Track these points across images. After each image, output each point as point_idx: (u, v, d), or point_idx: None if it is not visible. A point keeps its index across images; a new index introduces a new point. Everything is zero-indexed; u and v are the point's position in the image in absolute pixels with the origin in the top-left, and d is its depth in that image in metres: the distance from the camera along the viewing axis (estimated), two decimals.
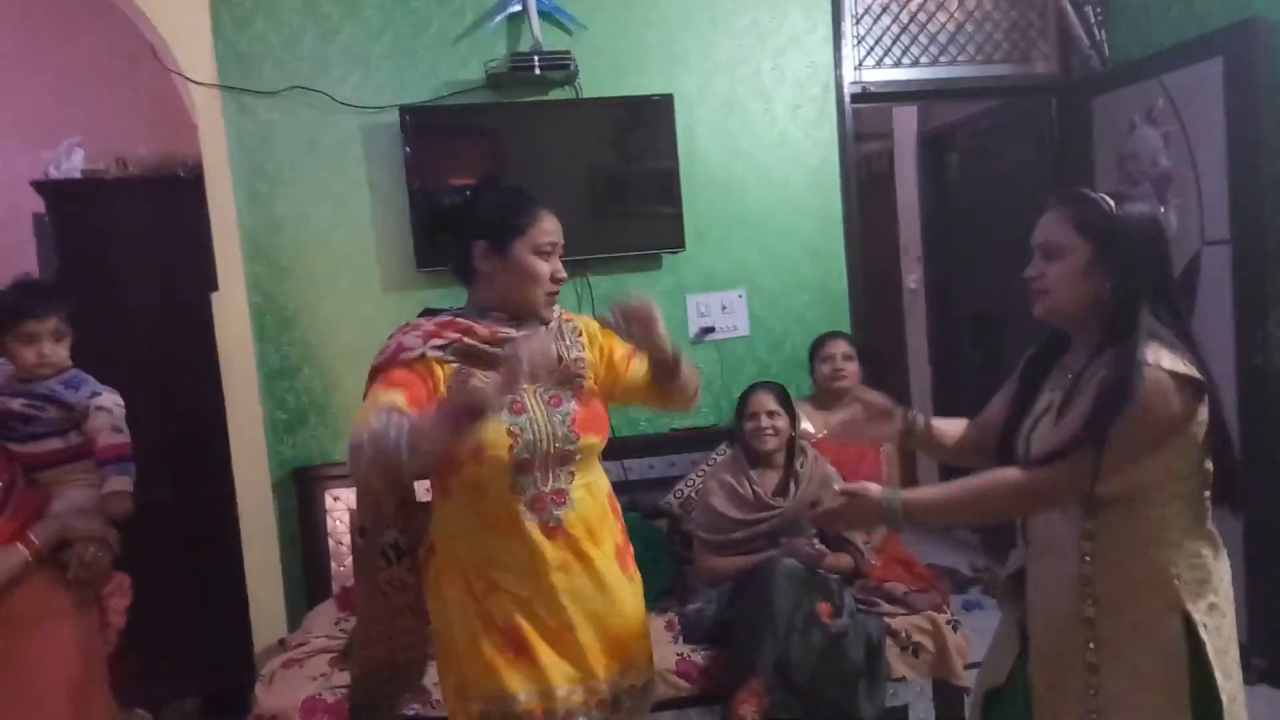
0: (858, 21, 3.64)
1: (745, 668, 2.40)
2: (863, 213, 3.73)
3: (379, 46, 3.28)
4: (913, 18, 3.68)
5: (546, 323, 1.75)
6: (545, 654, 1.66)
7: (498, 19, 3.31)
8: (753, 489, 2.78)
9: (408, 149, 3.21)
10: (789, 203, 3.57)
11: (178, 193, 3.32)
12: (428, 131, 3.26)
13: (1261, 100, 2.99)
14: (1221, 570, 1.58)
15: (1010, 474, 1.49)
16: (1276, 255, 3.02)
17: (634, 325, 1.66)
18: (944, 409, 4.95)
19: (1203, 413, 1.52)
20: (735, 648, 2.50)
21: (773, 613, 2.42)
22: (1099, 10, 3.66)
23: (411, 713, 2.42)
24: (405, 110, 3.21)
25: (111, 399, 2.19)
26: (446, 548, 1.71)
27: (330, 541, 3.14)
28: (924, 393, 5.08)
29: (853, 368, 3.19)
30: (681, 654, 2.59)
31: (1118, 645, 1.54)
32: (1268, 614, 3.07)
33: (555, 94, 3.39)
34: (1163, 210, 3.35)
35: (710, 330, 3.54)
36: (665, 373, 1.77)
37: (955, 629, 2.69)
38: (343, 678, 2.49)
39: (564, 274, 1.73)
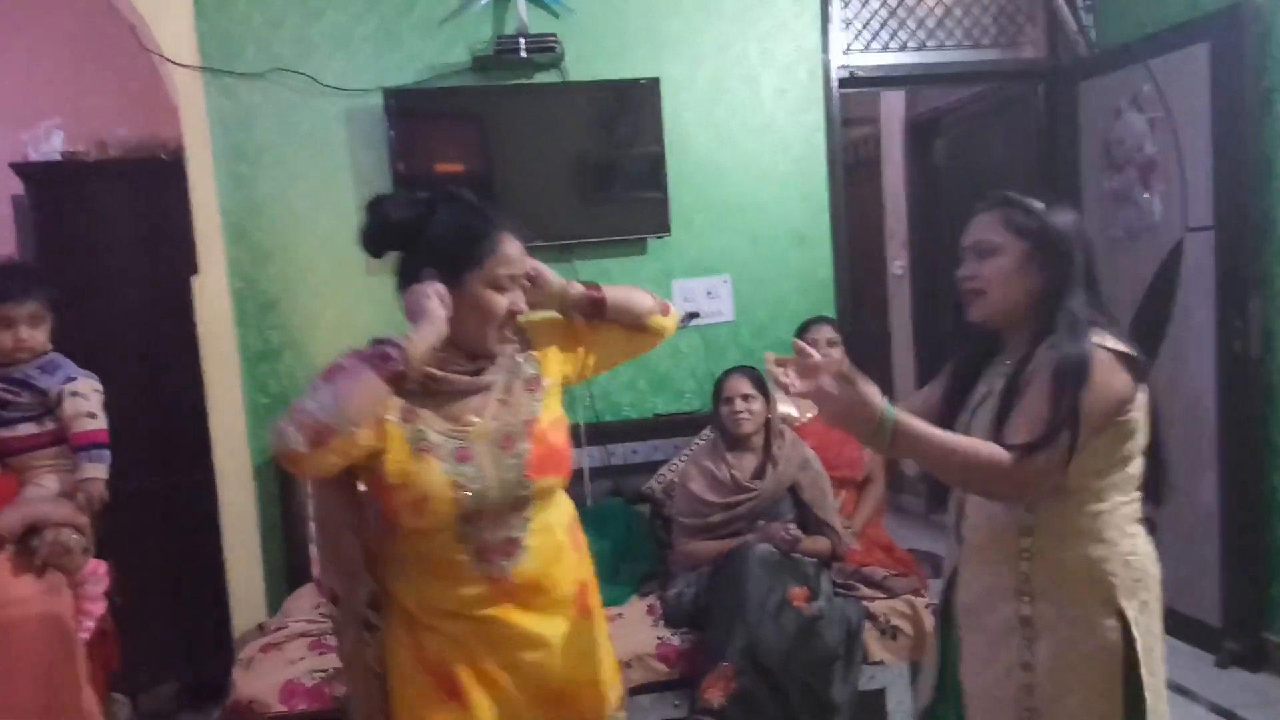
0: (845, 6, 3.63)
1: (715, 652, 2.41)
2: (849, 198, 3.72)
3: (363, 28, 3.25)
4: (900, 2, 3.67)
5: (495, 359, 1.61)
6: (478, 700, 1.55)
7: (483, 1, 3.29)
8: (730, 472, 2.79)
9: (391, 132, 3.19)
10: (775, 188, 3.57)
11: (158, 175, 3.30)
12: (412, 114, 3.23)
13: (1247, 87, 2.99)
14: (1153, 568, 1.60)
15: (1000, 454, 1.48)
16: (1258, 243, 3.03)
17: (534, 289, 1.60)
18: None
19: (1140, 398, 1.54)
20: (708, 632, 2.51)
21: (744, 597, 2.44)
22: None
23: None
24: (389, 93, 3.19)
25: (89, 384, 2.18)
26: (388, 582, 1.59)
27: (311, 526, 3.14)
28: (907, 377, 5.09)
29: (837, 354, 3.19)
30: (661, 638, 2.61)
31: (1054, 643, 1.55)
32: (1243, 598, 3.10)
33: (541, 77, 3.37)
34: (1147, 196, 3.36)
35: (695, 315, 3.53)
36: (597, 313, 1.69)
37: (935, 614, 2.69)
38: (321, 661, 2.49)
39: (523, 307, 1.57)
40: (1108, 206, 3.55)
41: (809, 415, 3.16)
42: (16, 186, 3.46)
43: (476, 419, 1.55)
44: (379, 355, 1.41)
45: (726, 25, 3.49)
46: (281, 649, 2.59)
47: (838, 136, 3.63)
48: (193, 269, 3.16)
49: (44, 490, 2.09)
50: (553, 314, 1.70)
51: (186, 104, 3.16)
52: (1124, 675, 1.53)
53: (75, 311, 2.31)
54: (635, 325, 1.74)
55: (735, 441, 2.84)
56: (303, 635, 2.67)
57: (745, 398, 2.81)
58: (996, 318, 1.65)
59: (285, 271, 3.25)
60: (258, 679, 2.46)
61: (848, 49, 3.64)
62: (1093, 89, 3.60)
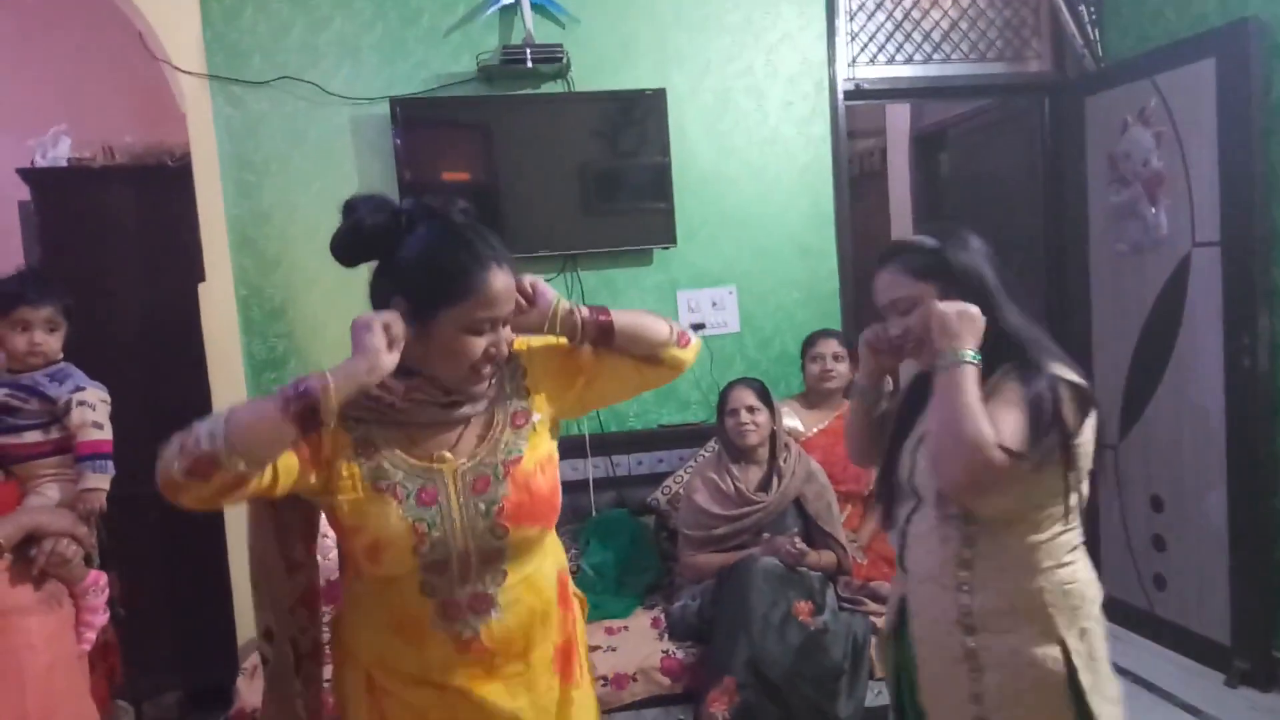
0: (851, 19, 3.63)
1: (719, 666, 2.40)
2: (855, 210, 3.72)
3: (369, 37, 3.26)
4: (906, 15, 3.67)
5: (475, 397, 1.40)
6: None
7: (490, 11, 3.29)
8: (735, 484, 2.78)
9: (397, 141, 3.20)
10: (780, 199, 3.57)
11: (165, 182, 3.29)
12: (418, 123, 3.24)
13: (1254, 101, 2.98)
14: (1092, 593, 1.59)
15: (994, 440, 1.45)
16: (1266, 258, 3.03)
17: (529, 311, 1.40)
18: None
19: (1088, 429, 1.53)
20: (712, 646, 2.50)
21: (749, 611, 2.42)
22: (1093, 9, 3.65)
23: None
24: (395, 102, 3.19)
25: (96, 394, 2.17)
26: (347, 634, 1.43)
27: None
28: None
29: (843, 368, 3.18)
30: (666, 651, 2.59)
31: (1000, 675, 1.55)
32: (1251, 617, 3.08)
33: (547, 87, 3.37)
34: (1153, 211, 3.35)
35: (700, 326, 3.53)
36: (604, 341, 1.46)
37: None
38: (325, 671, 2.47)
39: (503, 350, 1.35)
40: (1114, 221, 3.55)
41: (815, 429, 3.15)
42: (23, 192, 3.46)
43: (448, 454, 1.36)
44: (292, 391, 1.22)
45: (732, 37, 3.50)
46: None
47: (843, 148, 3.63)
48: (199, 276, 3.16)
49: (45, 499, 2.08)
50: (553, 339, 1.48)
51: (193, 111, 3.16)
52: (1074, 704, 1.52)
53: (81, 317, 2.31)
54: (647, 357, 1.49)
55: (740, 454, 2.83)
56: None
57: (750, 410, 2.80)
58: None
59: (290, 279, 3.24)
60: (261, 689, 2.44)
61: (853, 61, 3.64)
62: (1098, 103, 3.60)
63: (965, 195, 4.53)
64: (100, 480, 2.12)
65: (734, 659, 2.36)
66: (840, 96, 3.59)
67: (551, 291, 1.44)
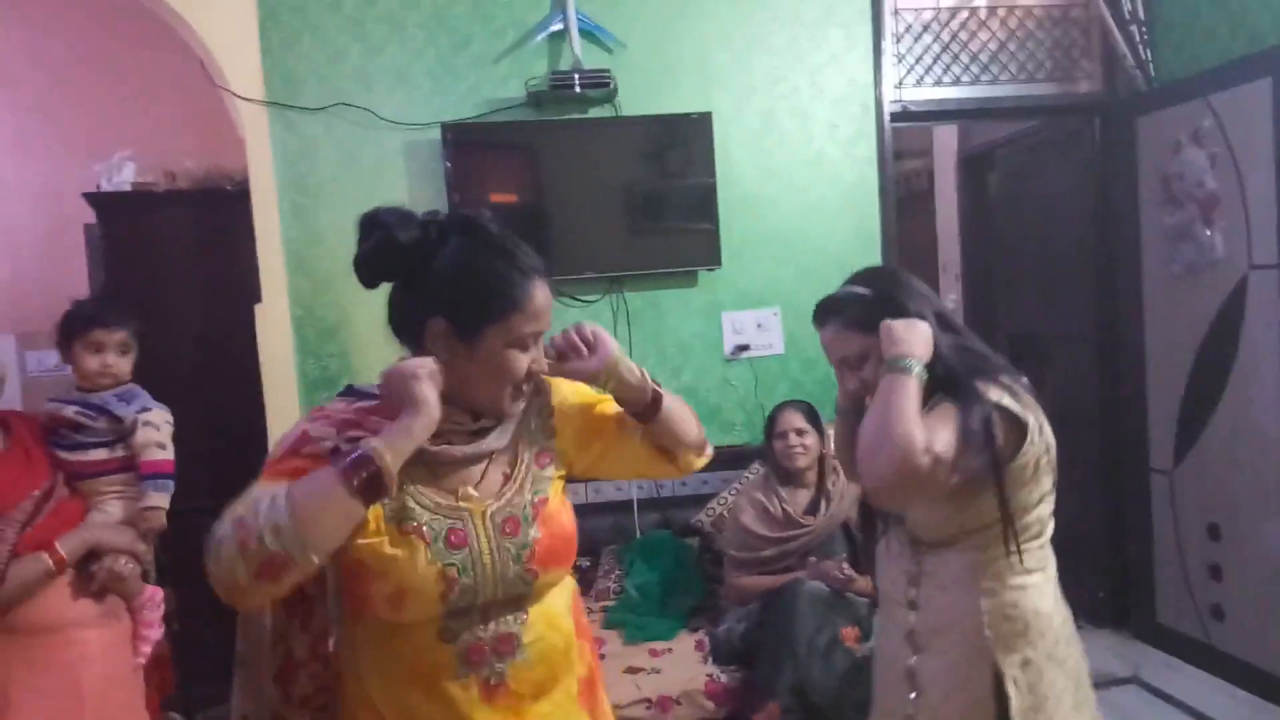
0: (898, 40, 3.63)
1: (764, 691, 2.39)
2: (901, 231, 3.71)
3: (422, 64, 3.33)
4: (954, 37, 3.66)
5: (507, 418, 1.32)
6: None
7: (539, 38, 3.35)
8: (783, 507, 2.77)
9: (448, 165, 3.26)
10: (825, 221, 3.57)
11: (224, 205, 3.39)
12: (468, 148, 3.30)
13: None
14: (1042, 625, 1.52)
15: (923, 440, 1.43)
16: None
17: (572, 359, 1.32)
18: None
19: (1027, 452, 1.50)
20: (757, 670, 2.49)
21: (793, 636, 2.41)
22: (1144, 29, 3.62)
23: None
24: (446, 127, 3.25)
25: (161, 416, 2.23)
26: (356, 683, 1.29)
27: None
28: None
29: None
30: (710, 675, 2.58)
31: (933, 695, 1.53)
32: None
33: (594, 112, 3.41)
34: (1208, 233, 3.29)
35: (745, 348, 3.53)
36: (641, 412, 1.36)
37: None
38: None
39: (544, 366, 1.30)
40: (1167, 243, 3.49)
41: None
42: (89, 215, 3.58)
43: (473, 492, 1.28)
44: (349, 465, 1.12)
45: (777, 59, 3.52)
46: None
47: (890, 170, 3.63)
48: (255, 297, 3.24)
49: (107, 516, 2.13)
50: (586, 393, 1.42)
51: (252, 137, 3.25)
52: None
53: (142, 336, 2.38)
54: (668, 449, 1.41)
55: (788, 476, 2.82)
56: None
57: (799, 432, 2.79)
58: None
59: (342, 300, 3.31)
60: None
61: (900, 83, 3.64)
62: (1151, 124, 3.55)
63: (1014, 216, 4.49)
64: (161, 499, 2.18)
65: (779, 684, 2.35)
66: (887, 118, 3.58)
67: (614, 343, 1.36)
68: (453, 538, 1.23)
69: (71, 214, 3.81)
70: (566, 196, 3.36)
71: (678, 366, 3.51)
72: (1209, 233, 3.29)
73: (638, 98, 3.42)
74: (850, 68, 3.55)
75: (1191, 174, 3.36)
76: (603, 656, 2.71)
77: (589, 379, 1.35)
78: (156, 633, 2.23)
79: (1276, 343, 3.05)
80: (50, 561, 1.95)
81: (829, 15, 3.53)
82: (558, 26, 3.34)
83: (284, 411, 3.24)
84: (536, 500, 1.31)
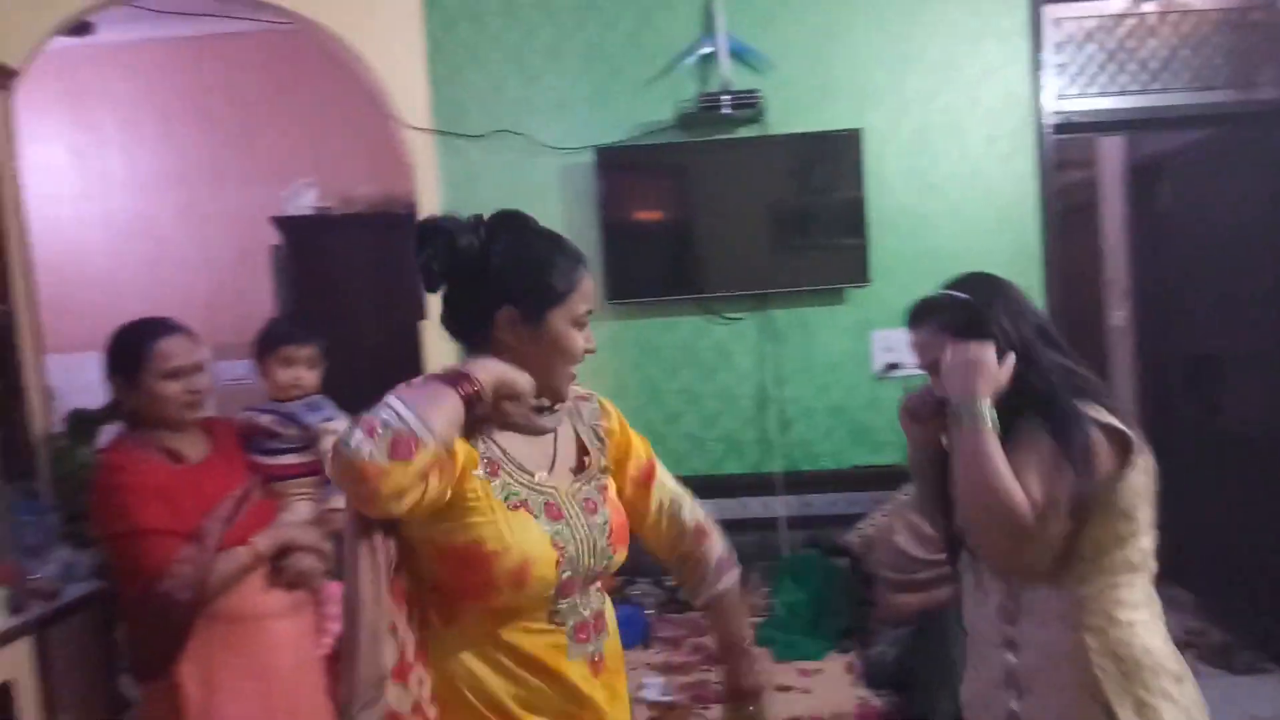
0: (1059, 50, 3.51)
1: (920, 718, 2.34)
2: (1062, 246, 3.57)
3: (577, 91, 3.46)
4: (1120, 45, 3.50)
5: (564, 400, 1.41)
6: None
7: (689, 60, 3.42)
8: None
9: (600, 187, 3.37)
10: (982, 237, 3.48)
11: (395, 228, 3.63)
12: (619, 170, 3.40)
13: None
14: (1154, 662, 1.43)
15: (1027, 503, 1.41)
16: None
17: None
18: (1154, 457, 4.62)
19: (1134, 477, 1.42)
20: (912, 697, 2.44)
21: (951, 663, 2.35)
22: None
23: None
24: (599, 151, 3.37)
25: (344, 425, 2.41)
26: (450, 683, 1.29)
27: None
28: None
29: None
30: (862, 699, 2.55)
31: None
32: None
33: (743, 131, 3.45)
34: None
35: (895, 366, 3.48)
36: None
37: None
38: None
39: (594, 345, 1.39)
40: None
41: None
42: (275, 238, 3.89)
43: (545, 475, 1.36)
44: (454, 375, 1.24)
45: (932, 74, 3.46)
46: None
47: (1051, 184, 3.50)
48: (421, 313, 3.44)
49: (297, 516, 2.32)
50: (634, 443, 1.51)
51: (420, 163, 3.46)
52: None
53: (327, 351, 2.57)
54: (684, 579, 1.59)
55: None
56: None
57: None
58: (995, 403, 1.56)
59: None
60: None
61: (1062, 94, 3.51)
62: None
63: (1188, 229, 4.25)
64: (343, 501, 2.35)
65: (936, 712, 2.31)
66: (1048, 131, 3.47)
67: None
68: (550, 510, 1.31)
69: (260, 237, 4.15)
70: (714, 215, 3.42)
71: (825, 385, 3.49)
72: None
73: (787, 115, 3.44)
74: (1009, 80, 3.46)
75: None
76: None
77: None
78: (337, 626, 2.40)
79: None
80: (248, 557, 2.12)
81: (986, 28, 3.45)
82: (708, 49, 3.41)
83: None
84: (601, 486, 1.41)
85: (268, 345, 2.39)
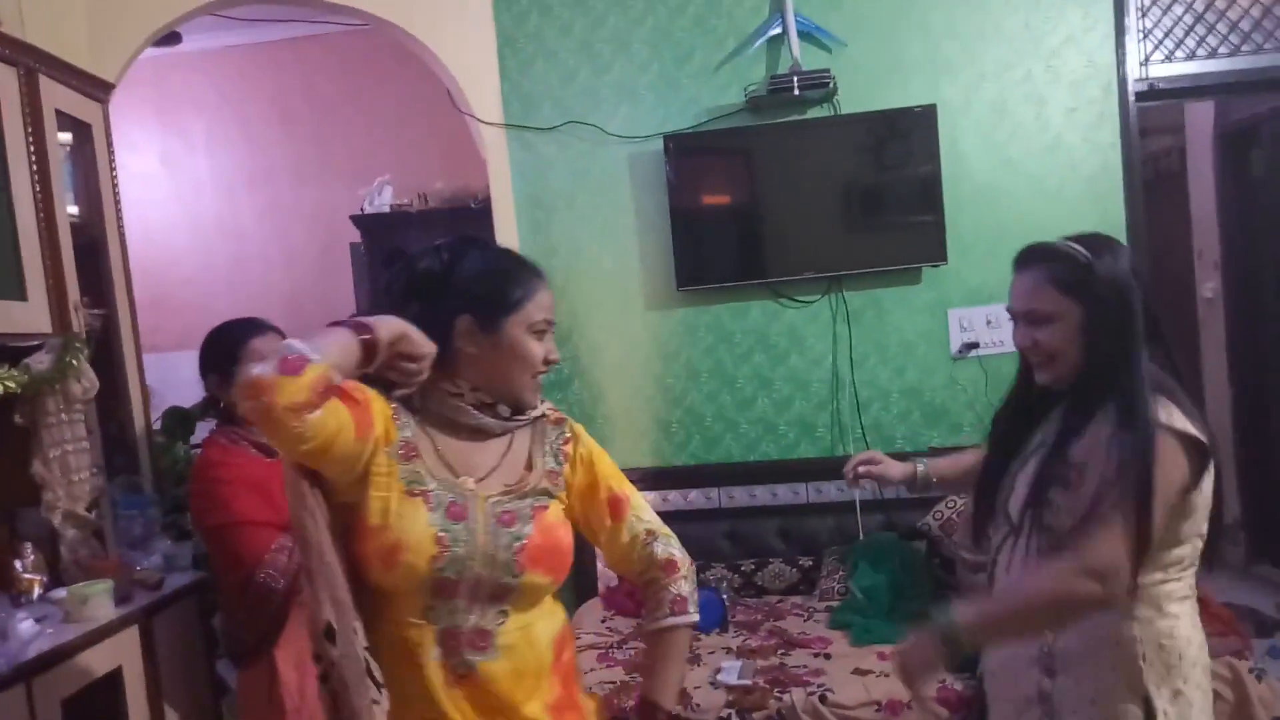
0: (1144, 15, 3.38)
1: None
2: (1148, 216, 3.45)
3: (646, 79, 3.47)
4: (1209, 6, 3.36)
5: (524, 412, 1.43)
6: None
7: (758, 43, 3.40)
8: None
9: (669, 174, 3.37)
10: (1064, 211, 3.37)
11: (469, 222, 3.70)
12: (688, 156, 3.40)
13: None
14: (1195, 653, 1.42)
15: (1061, 568, 1.37)
16: None
17: None
18: (1247, 434, 4.46)
19: (1206, 483, 1.38)
20: None
21: None
22: None
23: None
24: (668, 138, 3.37)
25: None
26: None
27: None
28: (1222, 414, 4.58)
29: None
30: (943, 681, 2.53)
31: None
32: None
33: (813, 112, 3.42)
34: None
35: (974, 345, 3.42)
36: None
37: (1259, 678, 2.43)
38: (610, 674, 2.66)
39: (557, 356, 1.44)
40: None
41: None
42: (355, 235, 4.00)
43: (473, 481, 1.37)
44: (352, 321, 1.28)
45: (1009, 45, 3.37)
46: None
47: (1136, 153, 3.39)
48: None
49: None
50: (611, 467, 1.51)
51: (493, 158, 3.52)
52: None
53: None
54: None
55: None
56: (591, 647, 2.86)
57: None
58: (1068, 380, 1.51)
59: (575, 307, 3.51)
60: None
61: (1146, 60, 3.38)
62: None
63: None
64: None
65: None
66: (1131, 98, 3.35)
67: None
68: (453, 509, 1.32)
69: (340, 234, 4.28)
70: (784, 198, 3.39)
71: (900, 366, 3.45)
72: None
73: (858, 95, 3.39)
74: (1090, 48, 3.35)
75: None
76: (829, 657, 2.73)
77: None
78: None
79: None
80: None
81: None
82: (776, 30, 3.38)
83: None
84: (537, 506, 1.39)
85: None
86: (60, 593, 2.36)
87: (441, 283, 1.39)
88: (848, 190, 3.38)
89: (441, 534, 1.30)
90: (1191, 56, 3.39)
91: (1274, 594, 4.03)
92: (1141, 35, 3.37)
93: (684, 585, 1.48)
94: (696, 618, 1.49)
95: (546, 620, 1.41)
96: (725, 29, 3.44)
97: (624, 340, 3.51)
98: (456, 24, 3.45)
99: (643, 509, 1.51)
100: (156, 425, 3.17)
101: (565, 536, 1.42)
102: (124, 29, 3.28)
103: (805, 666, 2.67)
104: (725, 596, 3.17)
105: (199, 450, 2.42)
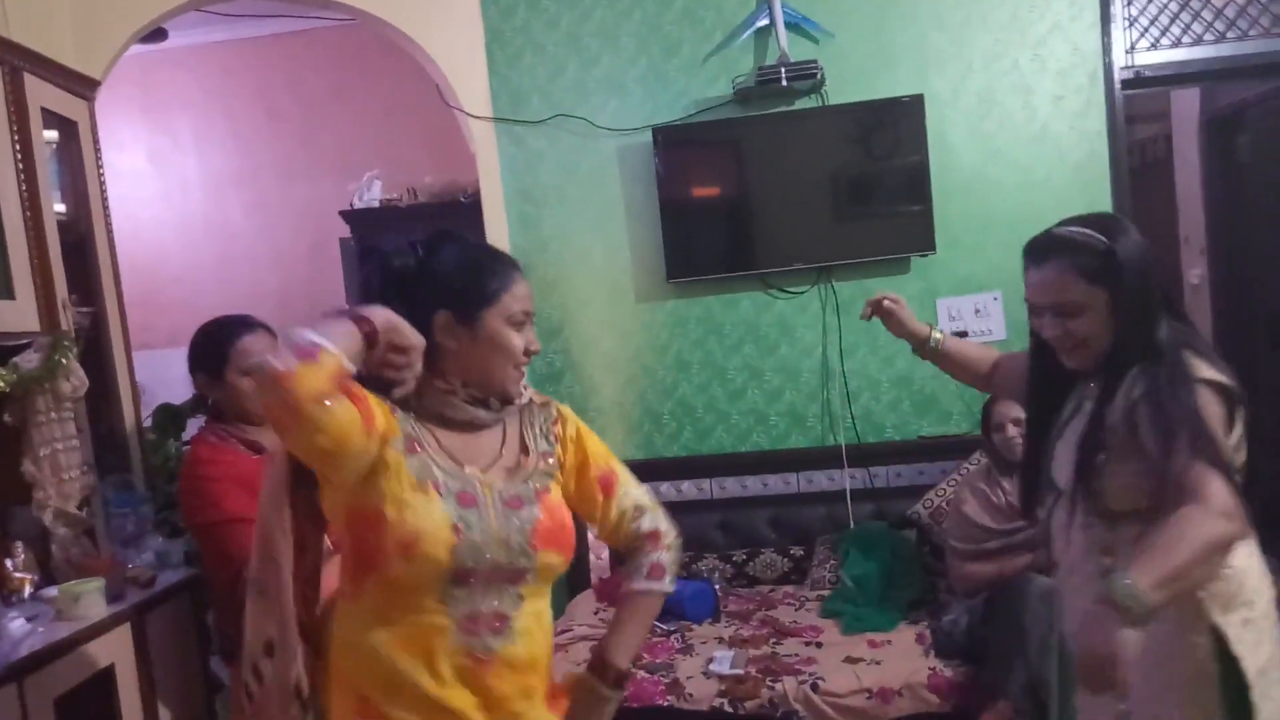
0: (1129, 2, 3.38)
1: (994, 689, 2.34)
2: (1135, 202, 3.47)
3: (634, 72, 3.47)
4: None
5: (513, 402, 1.44)
6: None
7: (745, 35, 3.40)
8: (1007, 499, 2.69)
9: (658, 166, 3.37)
10: (1051, 199, 3.38)
11: (459, 216, 3.70)
12: (677, 148, 3.40)
13: None
14: (1255, 583, 1.45)
15: (1196, 511, 1.34)
16: None
17: None
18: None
19: (1237, 426, 1.43)
20: (985, 667, 2.43)
21: (1024, 633, 2.34)
22: None
23: None
24: (657, 130, 3.37)
25: None
26: (340, 659, 1.36)
27: (590, 534, 3.36)
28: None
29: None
30: (934, 668, 2.55)
31: (1145, 665, 1.38)
32: None
33: (801, 103, 3.42)
34: None
35: (963, 334, 3.42)
36: None
37: None
38: None
39: (538, 346, 1.44)
40: None
41: None
42: (344, 230, 3.99)
43: (477, 470, 1.39)
44: (349, 311, 1.28)
45: (995, 35, 3.38)
46: (566, 651, 2.80)
47: (1122, 141, 3.40)
48: None
49: None
50: (601, 447, 1.53)
51: (482, 152, 3.51)
52: (1227, 699, 1.41)
53: None
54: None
55: (1010, 467, 2.73)
56: (584, 639, 2.87)
57: (1017, 422, 2.70)
58: (1099, 361, 1.56)
59: (566, 301, 3.51)
60: None
61: (1132, 48, 3.39)
62: None
63: (1269, 181, 4.08)
64: None
65: (1010, 683, 2.30)
66: (1118, 86, 3.36)
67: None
68: (463, 497, 1.33)
69: (329, 229, 4.27)
70: (773, 189, 3.40)
71: (890, 356, 3.46)
72: None
73: (845, 86, 3.40)
74: (1076, 36, 3.36)
75: None
76: (820, 645, 2.75)
77: None
78: None
79: None
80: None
81: None
82: (763, 22, 3.38)
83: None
84: (539, 489, 1.41)
85: None
86: (52, 591, 2.37)
87: (417, 279, 1.39)
88: (836, 181, 3.39)
89: (457, 522, 1.31)
90: (1177, 44, 3.40)
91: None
92: (1127, 23, 3.39)
93: (664, 555, 1.51)
94: (670, 588, 1.52)
95: (549, 609, 1.45)
96: (713, 21, 3.44)
97: (615, 333, 3.52)
98: (444, 18, 3.44)
99: (631, 484, 1.55)
100: (147, 423, 3.16)
101: (568, 516, 1.45)
102: (109, 26, 3.27)
103: (797, 655, 2.69)
104: (717, 586, 3.19)
105: (189, 447, 2.41)
